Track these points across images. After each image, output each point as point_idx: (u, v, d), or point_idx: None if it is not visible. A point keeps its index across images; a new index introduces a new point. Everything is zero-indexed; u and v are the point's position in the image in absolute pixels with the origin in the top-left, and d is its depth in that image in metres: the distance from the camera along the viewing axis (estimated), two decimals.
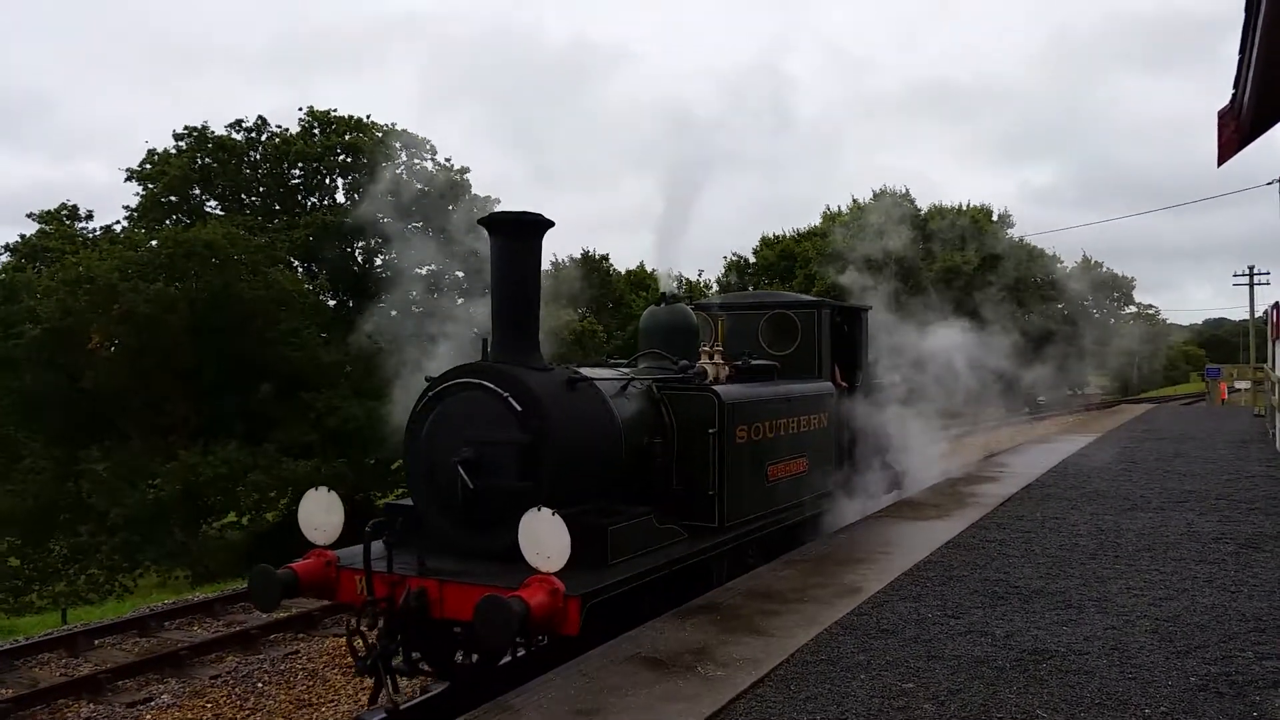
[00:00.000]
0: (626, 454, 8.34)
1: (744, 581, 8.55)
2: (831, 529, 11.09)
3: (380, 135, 37.90)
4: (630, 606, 7.49)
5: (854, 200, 55.31)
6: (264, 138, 37.23)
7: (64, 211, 36.49)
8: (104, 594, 26.21)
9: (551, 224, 8.16)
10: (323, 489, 7.73)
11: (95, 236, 35.35)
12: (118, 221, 36.39)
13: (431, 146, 38.57)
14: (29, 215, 35.18)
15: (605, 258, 44.31)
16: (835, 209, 55.81)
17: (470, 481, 7.47)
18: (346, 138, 37.44)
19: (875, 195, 54.62)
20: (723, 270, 52.97)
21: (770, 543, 9.82)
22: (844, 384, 11.83)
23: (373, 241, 36.67)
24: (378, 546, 7.35)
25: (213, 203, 37.30)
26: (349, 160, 37.35)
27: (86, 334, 27.57)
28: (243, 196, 37.47)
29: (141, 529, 27.17)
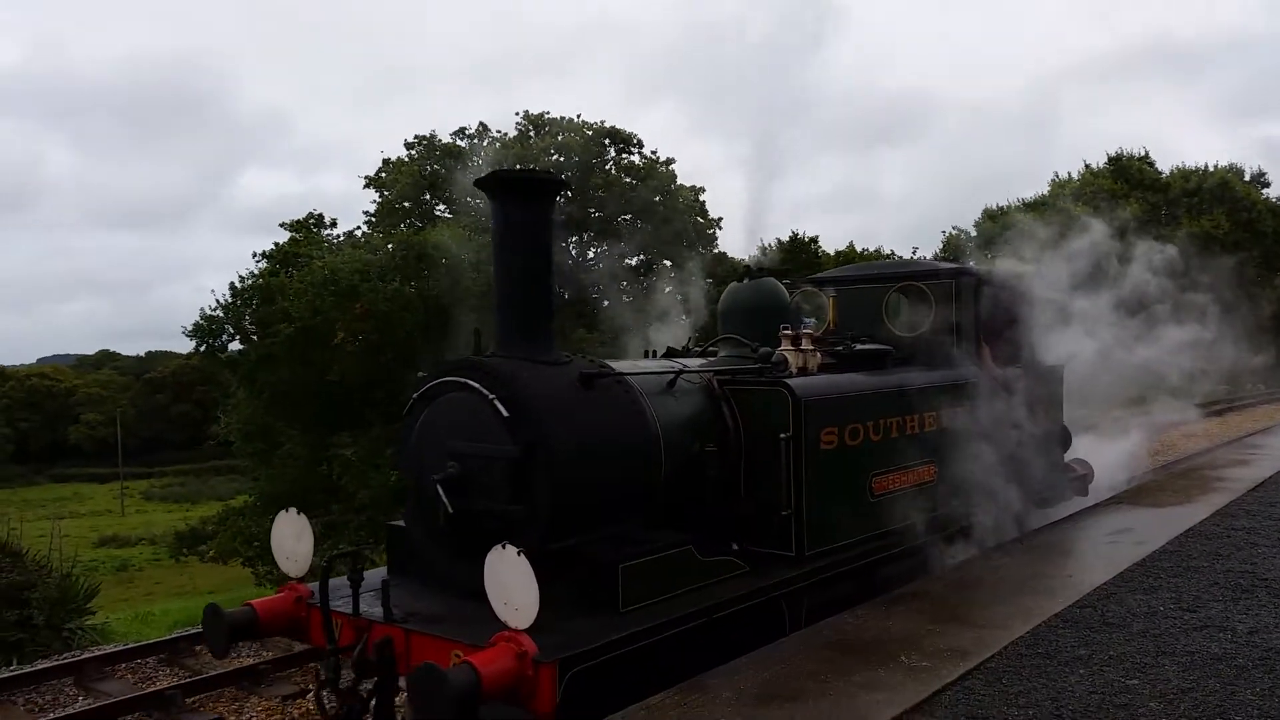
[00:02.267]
0: (668, 466, 6.63)
1: (953, 572, 8.07)
2: (982, 545, 8.91)
3: (589, 133, 39.04)
4: (660, 663, 5.81)
5: (1086, 165, 50.29)
6: (485, 143, 38.93)
7: (311, 220, 38.55)
8: None
9: (564, 184, 6.55)
10: (292, 510, 6.46)
11: (339, 241, 37.68)
12: (358, 227, 38.64)
13: (638, 140, 39.55)
14: (281, 225, 38.01)
15: (814, 240, 42.61)
16: (1065, 175, 50.83)
17: (450, 504, 6.00)
18: (559, 138, 38.56)
19: (1111, 159, 49.56)
20: (940, 247, 49.23)
21: (880, 572, 7.81)
22: (999, 367, 9.58)
23: (584, 235, 37.47)
24: (347, 585, 6.02)
25: (441, 206, 38.97)
26: (561, 159, 38.34)
27: (333, 331, 29.67)
28: (468, 199, 38.66)
29: (384, 508, 28.49)
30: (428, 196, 38.96)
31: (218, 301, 34.33)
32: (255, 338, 32.00)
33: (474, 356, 6.37)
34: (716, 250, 39.27)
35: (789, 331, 7.60)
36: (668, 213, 37.90)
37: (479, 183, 6.33)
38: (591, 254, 39.20)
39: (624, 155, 40.11)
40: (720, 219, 40.53)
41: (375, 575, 6.45)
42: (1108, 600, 7.01)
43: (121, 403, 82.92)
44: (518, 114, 40.74)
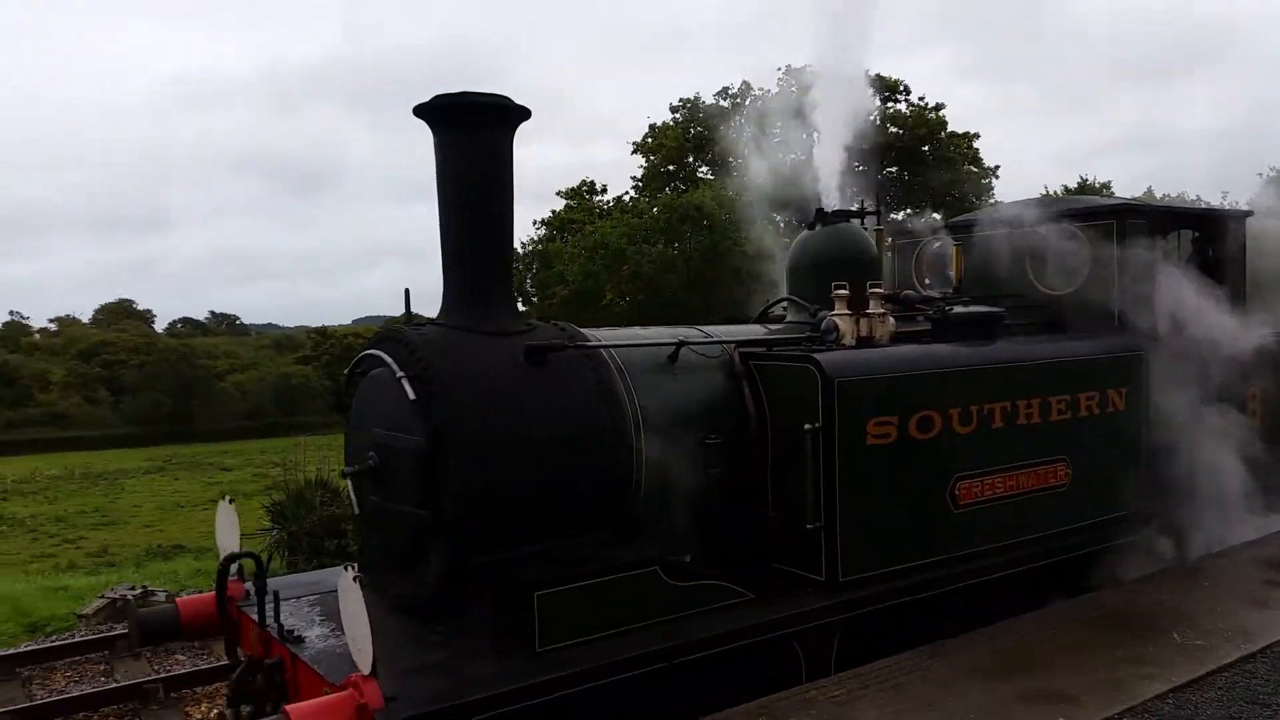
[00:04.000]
0: (654, 461, 5.27)
1: (1245, 548, 7.35)
2: (1145, 569, 6.85)
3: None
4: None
5: None
6: (747, 101, 38.03)
7: (584, 187, 40.47)
8: None
9: (526, 113, 5.29)
10: (225, 500, 5.68)
11: (608, 207, 38.87)
12: (626, 192, 39.44)
13: (905, 87, 37.88)
14: (557, 193, 40.09)
15: (1106, 185, 38.61)
16: None
17: (357, 502, 4.99)
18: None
19: None
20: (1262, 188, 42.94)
21: (963, 605, 6.03)
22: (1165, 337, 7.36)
23: (850, 192, 36.49)
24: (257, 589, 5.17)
25: (705, 168, 39.03)
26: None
27: (602, 293, 31.06)
28: (730, 160, 38.42)
29: None
30: (691, 159, 38.95)
31: None
32: (535, 300, 34.73)
33: (398, 325, 5.27)
34: (993, 201, 36.67)
35: (843, 290, 5.94)
36: (937, 162, 36.01)
37: (417, 110, 5.18)
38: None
39: (890, 104, 38.25)
40: (996, 167, 37.95)
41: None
42: None
43: None
44: (780, 69, 39.41)
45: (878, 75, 37.76)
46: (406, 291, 5.47)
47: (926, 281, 8.17)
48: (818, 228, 6.79)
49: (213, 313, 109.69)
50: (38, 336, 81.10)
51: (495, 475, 4.78)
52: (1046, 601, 6.24)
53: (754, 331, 6.35)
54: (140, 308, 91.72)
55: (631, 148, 39.77)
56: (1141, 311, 7.03)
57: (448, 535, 4.73)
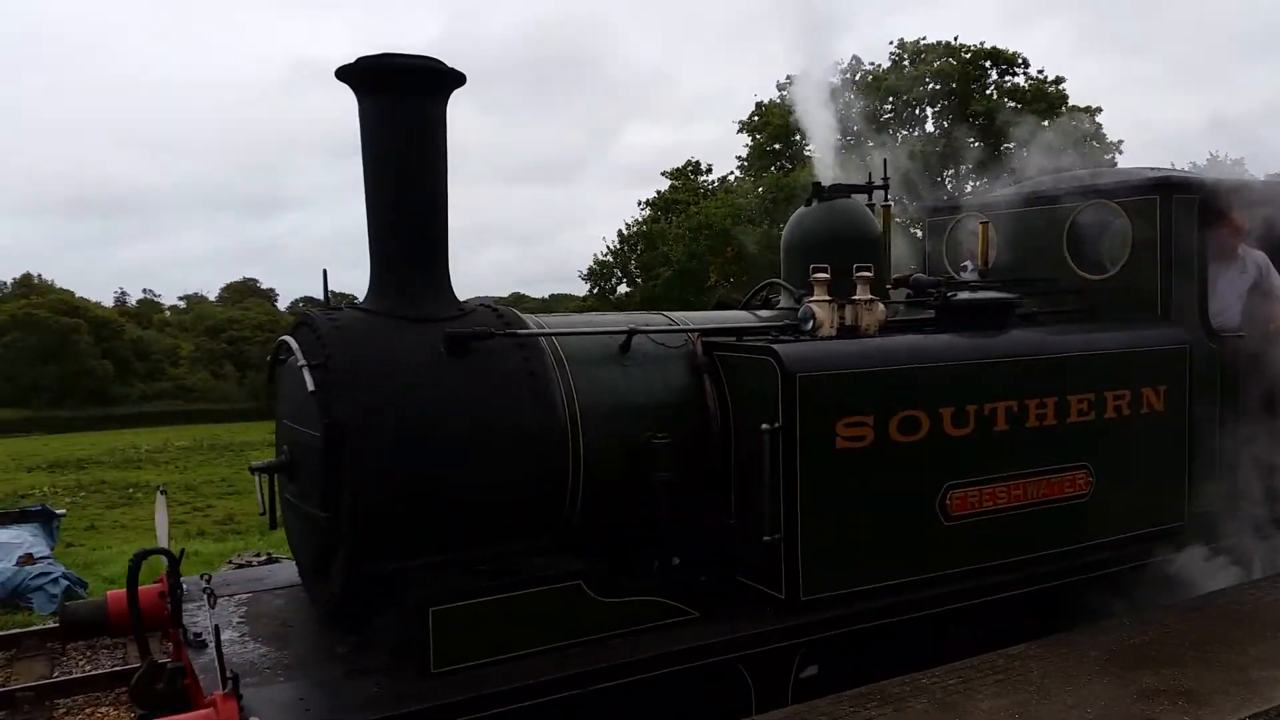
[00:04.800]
0: (593, 462, 4.78)
1: None
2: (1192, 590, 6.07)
3: (967, 55, 36.46)
4: None
5: None
6: (857, 76, 37.23)
7: (689, 167, 40.67)
8: None
9: (459, 79, 4.84)
10: (159, 492, 5.41)
11: (713, 187, 39.03)
12: (730, 172, 39.35)
13: (1023, 60, 36.37)
14: (663, 173, 40.38)
15: (1238, 162, 36.57)
16: None
17: (262, 500, 4.64)
18: (935, 65, 36.15)
19: None
20: None
21: (958, 628, 5.37)
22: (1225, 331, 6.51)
23: (961, 168, 35.52)
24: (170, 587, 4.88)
25: (811, 147, 38.48)
26: (938, 88, 36.10)
27: (707, 273, 31.49)
28: (839, 137, 37.68)
29: None
30: (798, 137, 37.81)
31: (607, 248, 38.78)
32: (639, 280, 35.66)
33: (313, 309, 4.88)
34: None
35: (822, 274, 5.32)
36: (1058, 137, 34.41)
37: (340, 73, 4.76)
38: (969, 189, 36.48)
39: (1006, 78, 36.83)
40: (1120, 142, 35.44)
41: None
42: None
43: None
44: (891, 43, 38.45)
45: (993, 48, 36.66)
46: (324, 272, 5.10)
47: (966, 265, 7.47)
48: (814, 204, 6.16)
49: (332, 292, 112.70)
50: (168, 313, 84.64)
51: (401, 476, 4.36)
52: (1059, 625, 5.54)
53: (731, 319, 5.78)
54: (264, 286, 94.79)
55: (737, 127, 39.25)
56: (1189, 299, 6.21)
57: (346, 541, 4.34)
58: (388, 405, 4.38)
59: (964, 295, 5.73)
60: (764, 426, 4.75)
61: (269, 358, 5.10)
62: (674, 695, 4.52)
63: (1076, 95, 36.71)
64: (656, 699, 4.48)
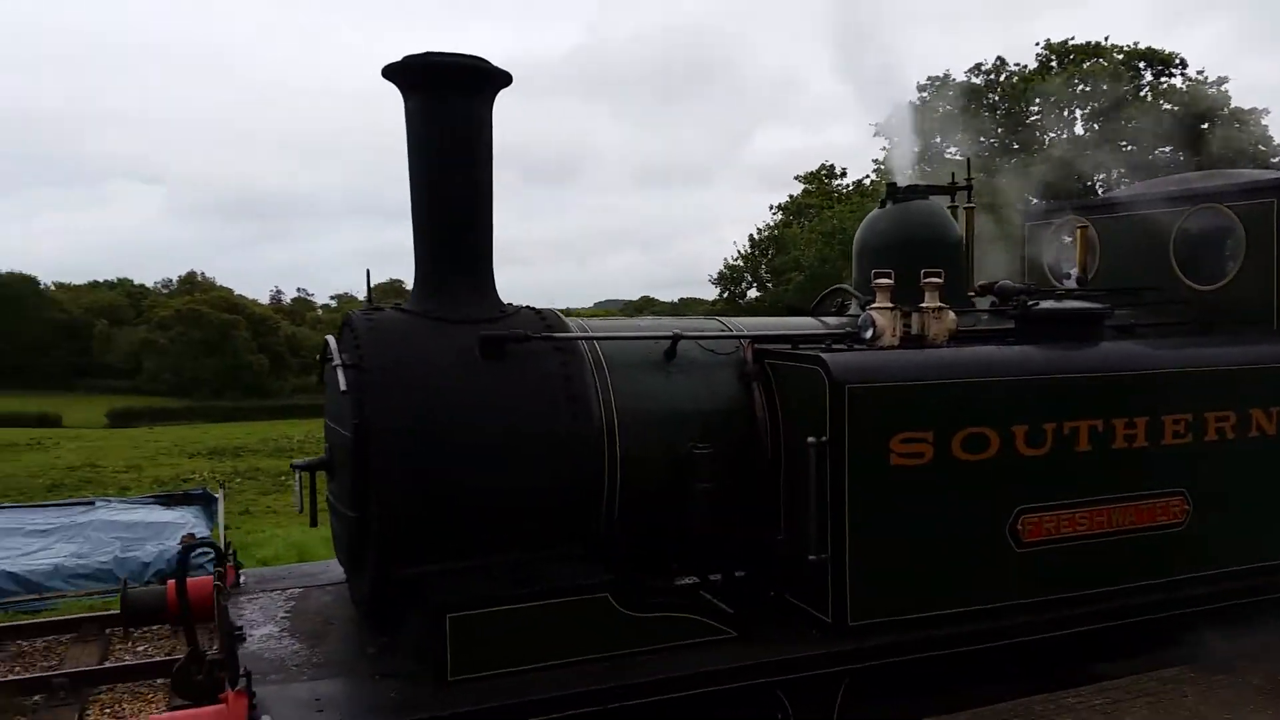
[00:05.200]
0: (626, 470, 4.63)
1: None
2: None
3: (1119, 56, 35.38)
4: None
5: None
6: (1002, 78, 36.59)
7: (823, 171, 40.33)
8: None
9: (506, 79, 4.77)
10: (220, 485, 5.54)
11: (847, 191, 38.41)
12: (866, 176, 38.48)
13: (1180, 60, 35.06)
14: (796, 177, 40.13)
15: None
16: None
17: (300, 499, 4.67)
18: (1085, 65, 35.06)
19: None
20: None
21: (1026, 663, 4.97)
22: None
23: (1114, 173, 34.17)
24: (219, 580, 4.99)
25: (952, 149, 37.73)
26: (1087, 89, 34.78)
27: (839, 278, 32.34)
28: (981, 139, 36.89)
29: None
30: (939, 139, 37.92)
31: (738, 252, 39.10)
32: (770, 285, 35.63)
33: (359, 309, 4.89)
34: None
35: (885, 279, 5.02)
36: (1221, 142, 32.71)
37: (386, 71, 4.76)
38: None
39: (1162, 79, 35.18)
40: None
41: None
42: None
43: None
44: (1038, 44, 37.23)
45: (1147, 49, 35.09)
46: (367, 272, 5.13)
47: (1071, 272, 6.99)
48: (888, 205, 5.84)
49: None
50: (320, 312, 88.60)
51: (427, 478, 4.31)
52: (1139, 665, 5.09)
53: (792, 326, 5.52)
54: (408, 287, 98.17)
55: (874, 130, 38.72)
56: None
57: (373, 541, 4.32)
58: (417, 407, 4.33)
59: (1047, 305, 5.32)
60: (810, 440, 4.51)
61: (318, 357, 5.15)
62: (706, 717, 4.32)
63: (1240, 96, 34.94)
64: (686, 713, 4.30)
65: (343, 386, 4.36)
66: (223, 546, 5.09)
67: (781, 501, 4.89)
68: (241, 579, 5.46)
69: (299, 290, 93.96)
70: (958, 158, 35.37)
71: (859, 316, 5.28)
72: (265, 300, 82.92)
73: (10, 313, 68.58)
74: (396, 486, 4.27)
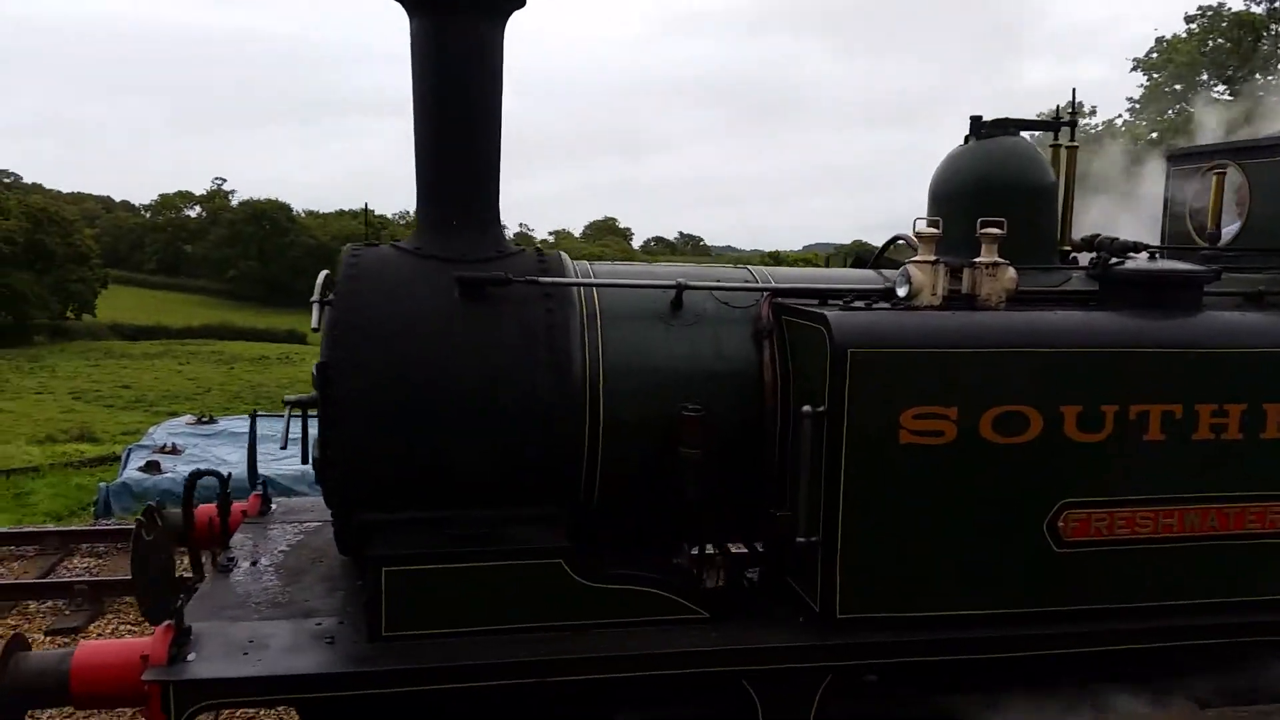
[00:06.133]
0: (608, 430, 4.28)
1: None
2: None
3: None
4: None
5: None
6: None
7: (1065, 110, 38.43)
8: None
9: (519, 1, 4.43)
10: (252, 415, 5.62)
11: (1097, 131, 35.34)
12: (1119, 115, 35.83)
13: None
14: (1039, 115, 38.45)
15: None
16: None
17: (284, 435, 4.62)
18: None
19: None
20: None
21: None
22: None
23: None
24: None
25: (1220, 87, 34.25)
26: None
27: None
28: (1257, 76, 33.38)
29: None
30: (1204, 76, 33.79)
31: None
32: None
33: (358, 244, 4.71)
34: None
35: (929, 228, 4.35)
36: None
37: None
38: None
39: None
40: None
41: None
42: None
43: None
44: None
45: None
46: (365, 206, 5.07)
47: (1224, 225, 5.96)
48: (970, 142, 5.09)
49: (681, 233, 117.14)
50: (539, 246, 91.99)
51: (394, 424, 4.12)
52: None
53: (838, 279, 4.93)
54: (621, 225, 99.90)
55: (1130, 64, 35.22)
56: None
57: (335, 485, 4.20)
58: (387, 348, 4.15)
59: (1133, 265, 4.49)
60: (806, 409, 4.00)
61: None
62: (662, 702, 4.00)
63: None
64: (643, 702, 4.00)
65: (314, 324, 4.24)
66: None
67: (786, 476, 4.40)
68: (273, 508, 5.55)
69: (520, 225, 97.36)
70: (1225, 98, 31.83)
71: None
72: None
73: (269, 237, 75.04)
74: (357, 429, 4.12)
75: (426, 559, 3.93)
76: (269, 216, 78.05)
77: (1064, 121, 5.15)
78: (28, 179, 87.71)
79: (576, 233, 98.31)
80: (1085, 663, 4.28)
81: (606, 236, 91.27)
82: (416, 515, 4.13)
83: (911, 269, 4.33)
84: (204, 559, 5.18)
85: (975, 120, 5.08)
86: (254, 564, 4.74)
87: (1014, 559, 4.15)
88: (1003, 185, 4.88)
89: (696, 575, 4.25)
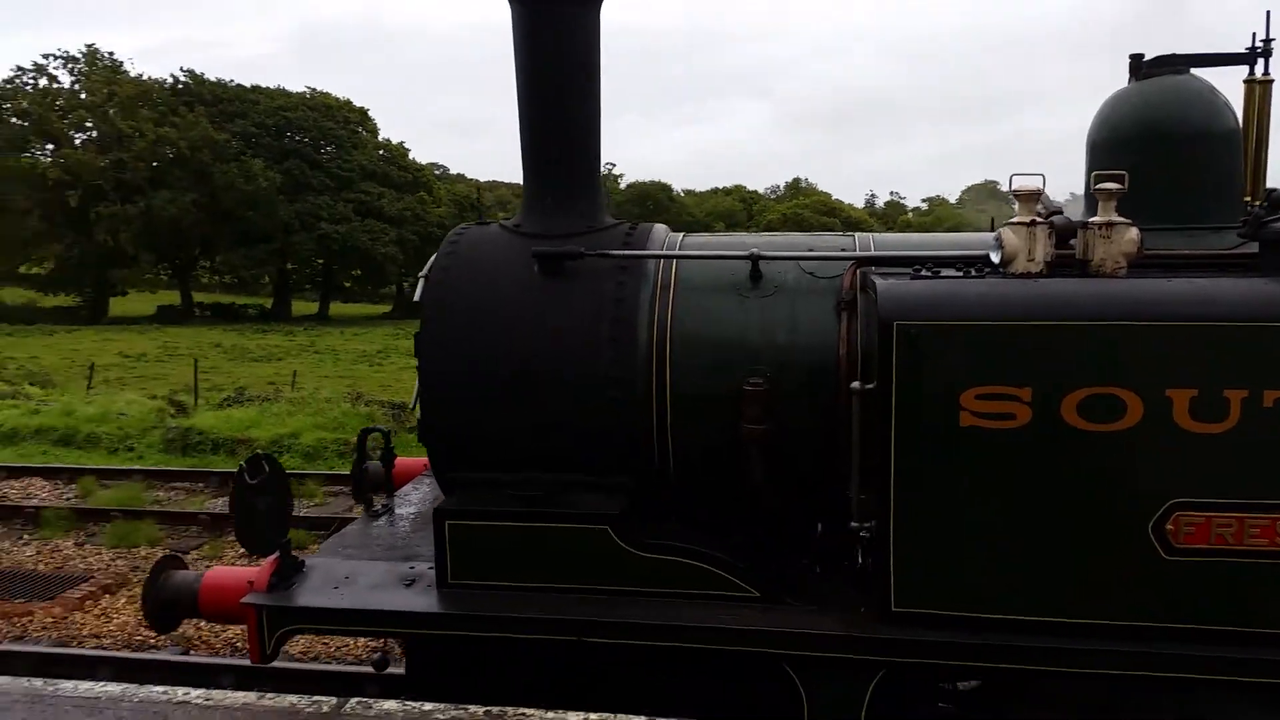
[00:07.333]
0: (678, 405, 4.26)
1: None
2: None
3: None
4: (516, 672, 4.20)
5: None
6: None
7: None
8: None
9: None
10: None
11: None
12: None
13: None
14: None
15: None
16: None
17: (415, 400, 5.08)
18: None
19: None
20: None
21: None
22: None
23: None
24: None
25: None
26: None
27: None
28: None
29: None
30: None
31: None
32: None
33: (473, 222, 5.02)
34: None
35: (1030, 186, 3.85)
36: None
37: None
38: None
39: None
40: None
41: None
42: None
43: None
44: None
45: None
46: (477, 186, 5.18)
47: None
48: (1131, 83, 4.40)
49: (1071, 194, 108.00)
50: (910, 215, 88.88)
51: (476, 392, 4.40)
52: None
53: (950, 245, 4.47)
54: (1001, 189, 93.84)
55: None
56: None
57: (428, 442, 4.56)
58: (465, 322, 4.43)
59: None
60: (854, 385, 3.75)
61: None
62: (700, 675, 3.96)
63: None
64: (682, 673, 3.98)
65: (415, 297, 4.62)
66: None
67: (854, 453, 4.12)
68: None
69: (892, 194, 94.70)
70: None
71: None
72: (860, 204, 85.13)
73: (651, 216, 79.47)
74: (441, 397, 4.45)
75: (484, 516, 4.17)
76: (652, 197, 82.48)
77: (1256, 52, 4.29)
78: (453, 170, 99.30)
79: (953, 199, 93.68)
80: (1195, 694, 3.62)
81: (988, 202, 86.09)
82: (497, 476, 4.39)
83: (1005, 232, 3.86)
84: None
85: (1135, 59, 4.37)
86: (395, 512, 5.26)
87: (1108, 563, 3.60)
88: (1163, 133, 4.16)
89: (754, 554, 4.13)
